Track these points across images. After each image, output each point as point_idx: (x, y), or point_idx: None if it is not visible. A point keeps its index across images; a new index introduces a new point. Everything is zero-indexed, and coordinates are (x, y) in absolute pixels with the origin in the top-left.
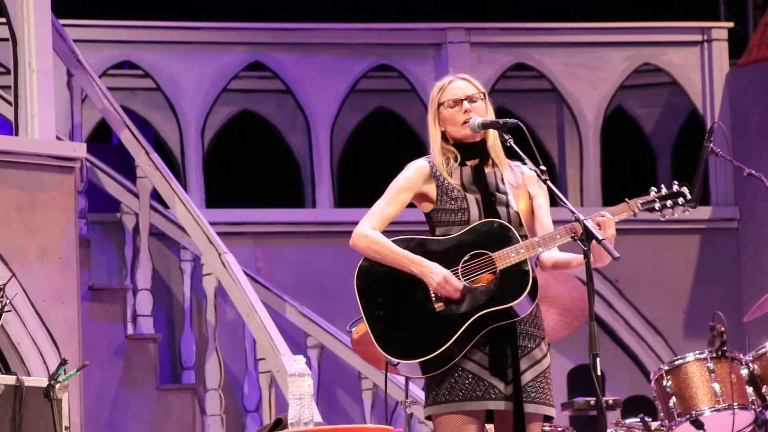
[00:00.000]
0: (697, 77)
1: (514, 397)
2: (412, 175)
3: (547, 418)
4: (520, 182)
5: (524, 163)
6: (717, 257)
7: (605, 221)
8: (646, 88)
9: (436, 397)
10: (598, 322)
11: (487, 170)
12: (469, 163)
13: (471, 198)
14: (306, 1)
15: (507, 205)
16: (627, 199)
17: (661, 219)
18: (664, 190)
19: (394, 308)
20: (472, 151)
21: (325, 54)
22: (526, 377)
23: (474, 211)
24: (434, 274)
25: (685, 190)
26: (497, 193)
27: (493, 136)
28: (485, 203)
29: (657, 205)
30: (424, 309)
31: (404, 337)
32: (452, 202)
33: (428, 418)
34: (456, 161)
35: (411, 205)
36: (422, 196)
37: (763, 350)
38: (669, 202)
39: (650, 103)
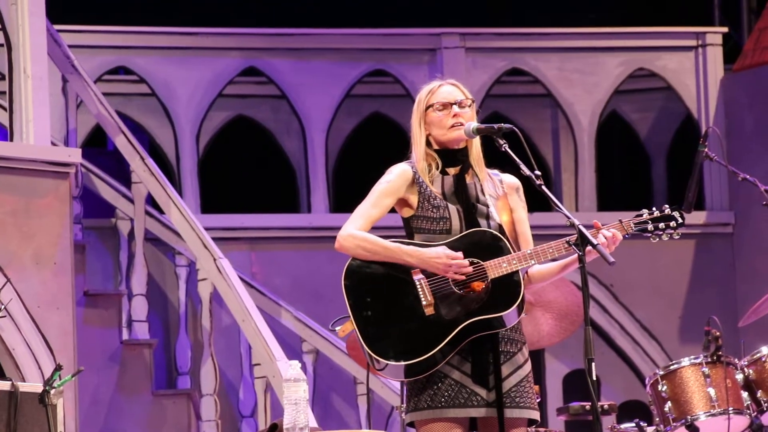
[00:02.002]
0: (691, 82)
1: (497, 403)
2: (396, 180)
3: (531, 422)
4: (500, 193)
5: (519, 169)
6: (712, 262)
7: (611, 238)
8: (640, 93)
9: (418, 403)
10: (593, 327)
11: (468, 180)
12: (450, 171)
13: (452, 208)
14: (301, 7)
15: (488, 216)
16: (621, 220)
17: (652, 241)
18: (656, 212)
19: (382, 310)
20: (454, 158)
21: (320, 59)
22: (510, 382)
23: (455, 221)
24: (436, 256)
25: (676, 214)
26: (478, 204)
27: (475, 145)
28: (466, 214)
29: (650, 227)
30: (414, 313)
31: (392, 339)
32: (434, 210)
33: (410, 424)
34: (437, 168)
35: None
36: (403, 202)
37: (759, 355)
38: (661, 225)
39: (645, 107)
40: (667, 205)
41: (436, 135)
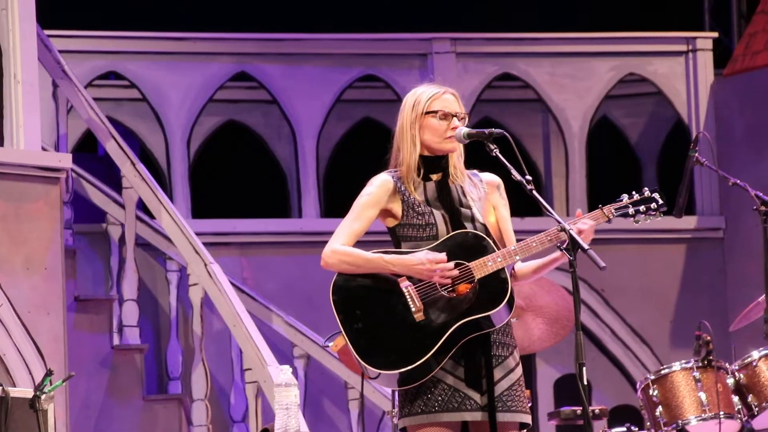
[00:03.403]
0: (682, 87)
1: (489, 407)
2: (377, 191)
3: (523, 426)
4: (482, 195)
5: (510, 174)
6: (703, 267)
7: (587, 231)
8: (631, 98)
9: (412, 408)
10: (584, 332)
11: (450, 185)
12: (433, 177)
13: (437, 213)
14: (292, 12)
15: (472, 219)
16: (601, 206)
17: (635, 224)
18: (635, 196)
19: (373, 320)
20: (438, 165)
21: (311, 64)
22: (502, 386)
23: (441, 226)
24: (418, 262)
25: (656, 195)
26: (462, 208)
27: (457, 150)
28: (451, 219)
29: (630, 210)
30: (404, 320)
31: (385, 348)
32: (419, 217)
33: (403, 430)
34: (419, 175)
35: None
36: (387, 212)
37: (749, 359)
38: (642, 207)
39: (635, 112)
40: (647, 188)
41: (428, 141)
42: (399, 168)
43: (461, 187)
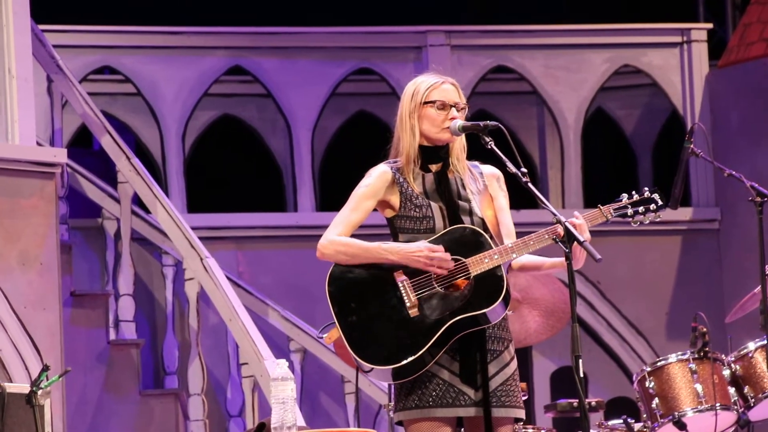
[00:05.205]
0: (676, 78)
1: (483, 402)
2: (375, 182)
3: (517, 420)
4: (481, 187)
5: (505, 167)
6: (698, 258)
7: (581, 225)
8: (626, 90)
9: (407, 402)
10: (580, 324)
11: (450, 177)
12: (432, 168)
13: (435, 206)
14: (286, 5)
15: (470, 212)
16: (600, 206)
17: (633, 225)
18: (635, 196)
19: (367, 314)
20: (437, 155)
21: (306, 58)
22: (496, 381)
23: (438, 220)
24: (417, 251)
25: (656, 196)
26: (460, 201)
27: (458, 141)
28: (449, 212)
29: (629, 211)
30: (398, 315)
31: (378, 343)
32: (416, 210)
33: (399, 423)
34: (418, 166)
35: (374, 210)
36: (385, 203)
37: (745, 351)
38: (641, 208)
39: (630, 104)
40: (647, 188)
41: (427, 131)
42: (399, 158)
43: (461, 179)
